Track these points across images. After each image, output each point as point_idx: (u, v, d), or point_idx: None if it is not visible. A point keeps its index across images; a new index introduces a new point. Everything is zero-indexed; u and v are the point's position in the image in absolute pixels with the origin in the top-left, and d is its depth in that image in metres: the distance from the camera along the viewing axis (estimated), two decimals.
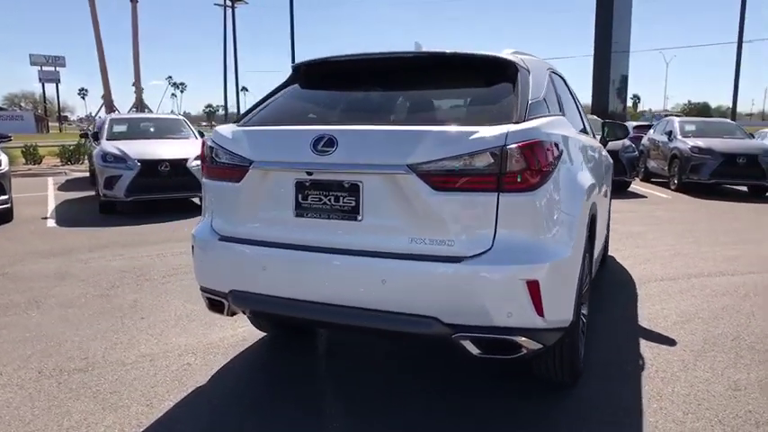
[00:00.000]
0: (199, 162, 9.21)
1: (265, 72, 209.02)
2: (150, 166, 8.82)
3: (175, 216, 8.61)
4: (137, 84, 23.78)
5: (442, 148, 2.33)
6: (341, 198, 2.48)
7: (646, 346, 3.62)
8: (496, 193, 2.30)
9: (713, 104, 72.91)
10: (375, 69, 2.98)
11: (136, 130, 10.66)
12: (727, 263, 5.81)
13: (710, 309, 4.35)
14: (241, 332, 3.85)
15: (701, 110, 64.34)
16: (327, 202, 2.51)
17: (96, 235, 7.35)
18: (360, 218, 2.46)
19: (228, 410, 2.85)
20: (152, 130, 10.80)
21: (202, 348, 3.60)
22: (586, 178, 2.95)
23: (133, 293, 4.78)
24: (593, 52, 21.51)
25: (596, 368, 3.25)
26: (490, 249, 2.32)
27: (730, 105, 23.96)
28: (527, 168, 2.31)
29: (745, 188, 11.92)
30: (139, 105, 23.45)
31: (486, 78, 2.76)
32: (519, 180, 2.30)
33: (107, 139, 9.72)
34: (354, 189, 2.45)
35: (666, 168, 12.42)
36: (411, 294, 2.37)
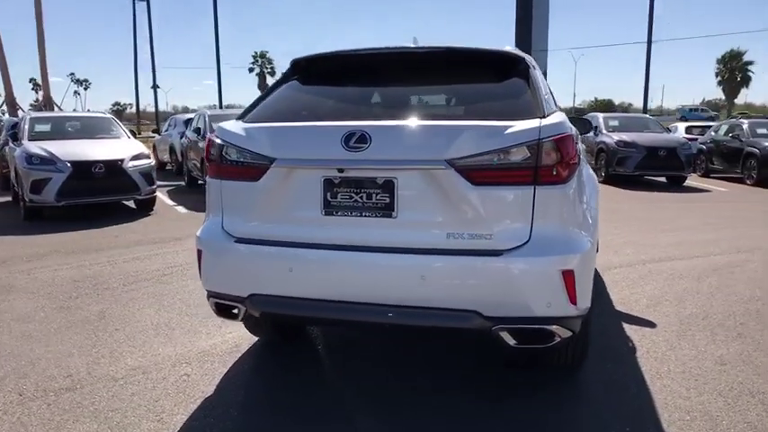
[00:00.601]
0: (136, 163, 8.88)
1: (182, 69, 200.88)
2: (83, 168, 8.26)
3: (110, 221, 8.12)
4: (44, 79, 21.93)
5: (479, 142, 2.34)
6: (374, 195, 2.43)
7: (630, 330, 3.82)
8: (533, 187, 2.35)
9: (617, 101, 78.03)
10: (385, 65, 2.94)
11: (61, 130, 9.88)
12: (672, 248, 6.24)
13: (673, 291, 4.66)
14: (231, 338, 3.69)
15: (606, 106, 68.70)
16: (359, 200, 2.45)
17: (29, 243, 6.78)
18: (395, 214, 2.42)
19: (244, 419, 2.72)
20: (79, 129, 10.07)
21: (195, 357, 3.41)
22: (591, 171, 3.07)
23: (96, 304, 4.45)
24: None
25: (594, 353, 3.38)
26: (528, 242, 2.36)
27: (631, 102, 25.51)
28: (560, 161, 2.37)
29: (663, 179, 12.86)
30: (47, 103, 21.71)
31: (501, 73, 2.79)
32: (554, 173, 2.36)
33: (29, 140, 8.99)
34: (389, 185, 2.41)
35: (594, 161, 13.14)
36: (452, 289, 2.37)
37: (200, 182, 11.72)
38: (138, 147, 9.33)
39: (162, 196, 10.55)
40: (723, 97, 55.71)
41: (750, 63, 54.89)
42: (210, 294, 2.80)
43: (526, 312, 2.37)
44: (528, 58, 2.90)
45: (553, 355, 2.93)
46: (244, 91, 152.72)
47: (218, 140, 2.73)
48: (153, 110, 45.06)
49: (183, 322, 4.01)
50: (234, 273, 2.67)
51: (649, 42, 20.28)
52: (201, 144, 10.63)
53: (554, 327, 2.43)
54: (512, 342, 2.44)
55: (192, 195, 11.07)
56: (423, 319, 2.43)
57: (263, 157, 2.55)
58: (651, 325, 3.91)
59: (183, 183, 12.76)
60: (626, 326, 3.89)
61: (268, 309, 2.64)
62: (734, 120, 15.63)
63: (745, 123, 13.47)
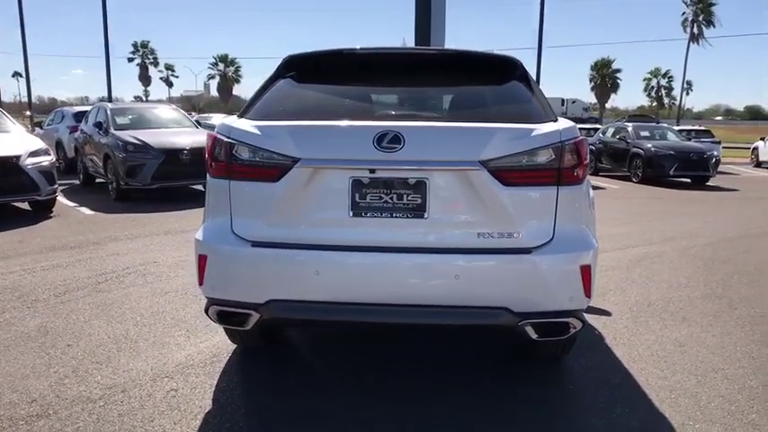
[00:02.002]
0: (35, 160, 8.01)
1: (46, 56, 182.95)
2: None
3: (4, 225, 7.28)
4: None
5: (510, 144, 2.40)
6: (405, 196, 2.41)
7: (591, 319, 4.09)
8: (556, 187, 2.46)
9: None
10: (394, 65, 2.90)
11: None
12: None
13: (613, 282, 5.06)
14: (205, 347, 3.48)
15: None
16: (389, 201, 2.41)
17: None
18: (426, 215, 2.42)
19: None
20: None
21: (175, 371, 3.17)
22: None
23: (31, 318, 3.98)
24: None
25: None
26: (552, 239, 2.47)
27: None
28: (579, 163, 2.50)
29: None
30: None
31: (504, 77, 2.85)
32: (574, 174, 2.49)
33: None
34: (420, 186, 2.40)
35: None
36: (485, 287, 2.41)
37: (98, 180, 10.85)
38: (36, 142, 8.43)
39: (58, 196, 9.62)
40: (595, 101, 60.83)
41: (618, 71, 60.47)
42: (215, 302, 2.61)
43: (552, 306, 2.48)
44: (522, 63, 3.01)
45: (552, 347, 3.08)
46: (122, 82, 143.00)
47: (226, 138, 2.55)
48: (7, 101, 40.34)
49: (143, 333, 3.71)
50: (250, 279, 2.51)
51: (539, 49, 21.83)
52: (105, 140, 9.83)
53: (571, 319, 2.56)
54: (534, 336, 2.53)
55: (92, 195, 10.23)
56: (456, 318, 2.45)
57: (285, 157, 2.43)
58: (607, 314, 4.22)
59: (76, 181, 11.74)
60: (586, 315, 4.16)
61: (289, 314, 2.52)
62: (620, 123, 17.19)
63: (630, 126, 14.89)
